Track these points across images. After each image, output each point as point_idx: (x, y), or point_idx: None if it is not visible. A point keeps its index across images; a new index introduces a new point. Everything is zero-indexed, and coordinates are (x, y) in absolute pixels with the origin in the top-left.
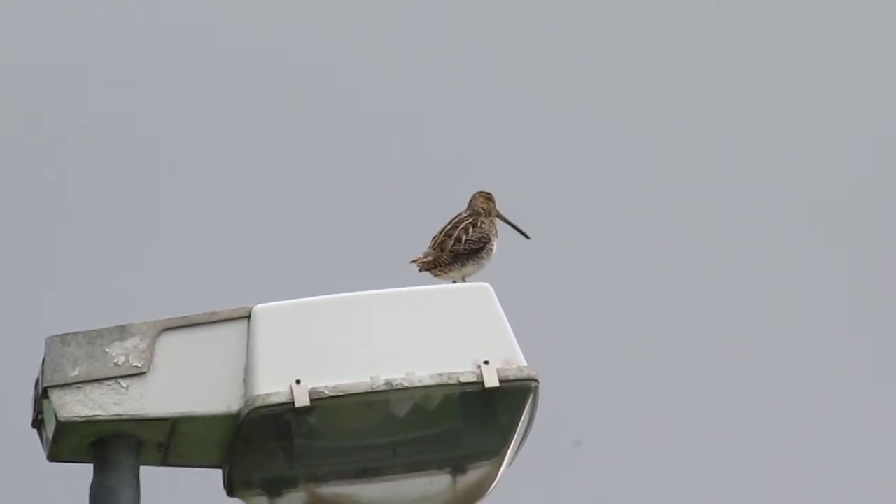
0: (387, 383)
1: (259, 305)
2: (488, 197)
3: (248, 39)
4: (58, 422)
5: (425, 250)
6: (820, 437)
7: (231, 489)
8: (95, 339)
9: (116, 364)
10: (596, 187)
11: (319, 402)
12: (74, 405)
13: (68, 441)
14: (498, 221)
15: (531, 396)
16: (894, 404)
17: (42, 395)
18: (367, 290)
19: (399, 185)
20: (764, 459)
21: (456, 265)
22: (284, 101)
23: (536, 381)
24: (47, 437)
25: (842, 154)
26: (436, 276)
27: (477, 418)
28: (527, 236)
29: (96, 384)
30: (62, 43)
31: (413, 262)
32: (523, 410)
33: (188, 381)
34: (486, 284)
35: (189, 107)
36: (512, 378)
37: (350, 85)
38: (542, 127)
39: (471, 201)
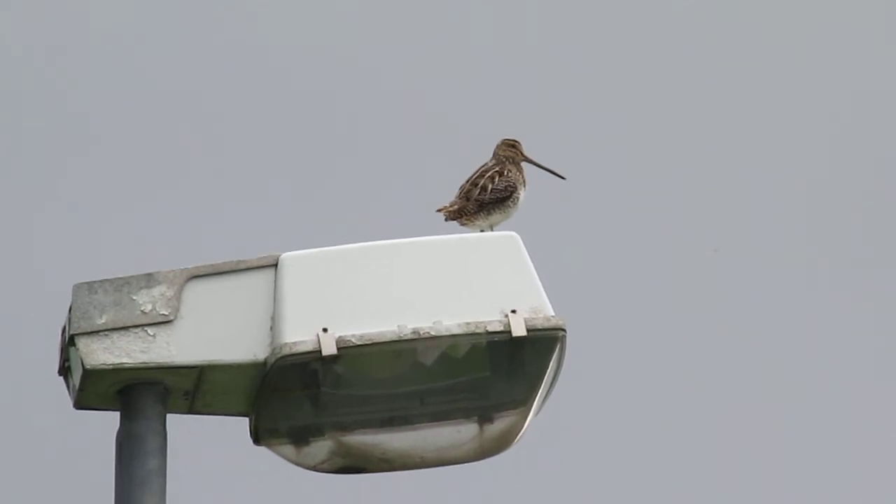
0: (414, 332)
1: (286, 254)
2: (511, 144)
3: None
4: (84, 369)
5: (452, 199)
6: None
7: (258, 437)
8: (122, 286)
9: (143, 312)
10: (623, 137)
11: (346, 350)
12: (101, 353)
13: (95, 389)
14: (528, 168)
15: (558, 346)
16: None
17: (69, 342)
18: (394, 238)
19: (427, 133)
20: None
21: (482, 214)
22: (314, 55)
23: (564, 330)
24: (74, 385)
25: (845, 152)
26: (462, 224)
27: (504, 367)
28: (561, 177)
29: (123, 332)
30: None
31: (439, 210)
32: (550, 360)
33: (215, 330)
34: (514, 233)
35: (220, 58)
36: (539, 327)
37: (376, 47)
38: (570, 84)
39: (495, 150)
